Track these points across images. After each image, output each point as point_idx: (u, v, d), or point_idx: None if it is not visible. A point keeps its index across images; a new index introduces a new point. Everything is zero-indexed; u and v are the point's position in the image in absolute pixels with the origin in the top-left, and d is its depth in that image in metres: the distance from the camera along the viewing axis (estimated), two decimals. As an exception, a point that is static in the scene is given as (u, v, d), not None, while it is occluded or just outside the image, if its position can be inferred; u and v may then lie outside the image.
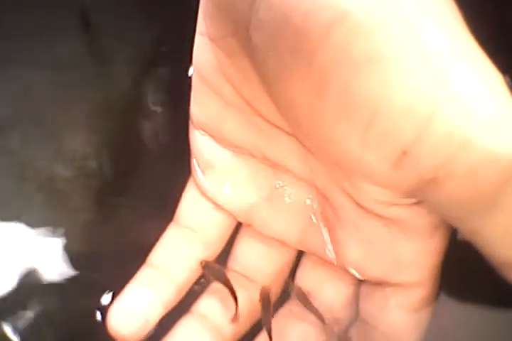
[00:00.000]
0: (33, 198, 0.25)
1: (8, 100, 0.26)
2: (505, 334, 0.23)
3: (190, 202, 0.24)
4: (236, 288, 0.22)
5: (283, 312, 0.23)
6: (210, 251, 0.23)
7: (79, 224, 0.25)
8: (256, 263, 0.23)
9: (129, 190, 0.25)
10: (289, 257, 0.23)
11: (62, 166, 0.25)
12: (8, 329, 0.23)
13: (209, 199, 0.23)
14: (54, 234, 0.24)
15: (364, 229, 0.20)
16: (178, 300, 0.22)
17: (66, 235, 0.24)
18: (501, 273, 0.18)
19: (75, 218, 0.25)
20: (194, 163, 0.23)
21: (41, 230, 0.24)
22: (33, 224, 0.24)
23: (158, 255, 0.23)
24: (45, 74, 0.26)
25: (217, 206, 0.23)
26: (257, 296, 0.22)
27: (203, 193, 0.23)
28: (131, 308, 0.22)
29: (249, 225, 0.23)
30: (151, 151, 0.26)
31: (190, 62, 0.23)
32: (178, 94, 0.25)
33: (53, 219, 0.25)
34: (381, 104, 0.15)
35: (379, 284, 0.21)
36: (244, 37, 0.19)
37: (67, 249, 0.24)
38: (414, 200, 0.18)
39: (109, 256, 0.24)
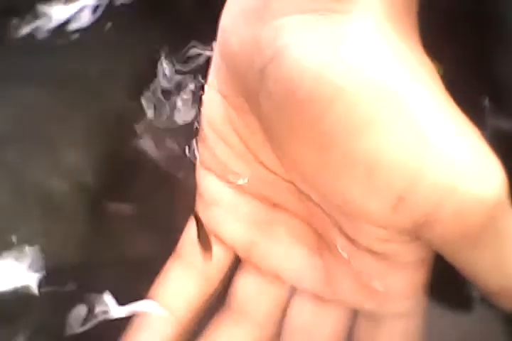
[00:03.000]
0: (29, 211, 0.25)
1: (6, 115, 0.26)
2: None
3: (192, 236, 0.25)
4: (233, 324, 0.24)
5: None
6: (209, 285, 0.24)
7: (75, 236, 0.25)
8: (253, 300, 0.24)
9: (125, 203, 0.26)
10: (285, 293, 0.25)
11: (59, 180, 0.26)
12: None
13: (212, 233, 0.24)
14: (50, 246, 0.25)
15: (357, 264, 0.22)
16: (181, 337, 0.23)
17: (62, 247, 0.25)
18: (490, 301, 0.20)
19: (71, 231, 0.25)
20: (199, 198, 0.25)
21: (38, 242, 0.25)
22: (29, 236, 0.25)
23: (159, 292, 0.24)
24: (43, 90, 0.26)
25: (220, 240, 0.24)
26: (254, 334, 0.24)
27: (206, 228, 0.24)
28: None
29: (247, 260, 0.24)
30: (147, 165, 0.26)
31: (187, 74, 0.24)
32: (174, 109, 0.26)
33: (50, 231, 0.25)
34: (377, 161, 0.18)
35: (371, 316, 0.23)
36: (254, 100, 0.21)
37: (63, 261, 0.25)
38: (408, 237, 0.20)
39: (105, 267, 0.24)
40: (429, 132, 0.18)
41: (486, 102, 0.26)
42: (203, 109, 0.24)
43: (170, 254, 0.25)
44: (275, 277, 0.24)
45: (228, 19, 0.22)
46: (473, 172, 0.18)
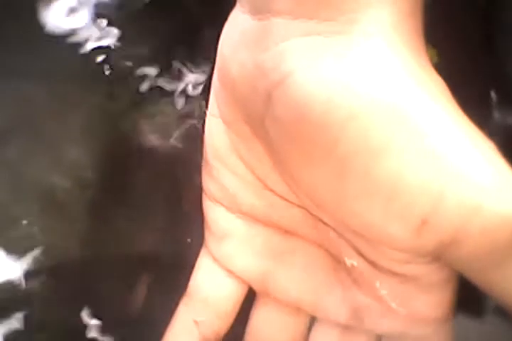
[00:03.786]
0: (30, 208, 0.25)
1: (6, 112, 0.26)
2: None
3: (203, 272, 0.24)
4: None
5: None
6: (223, 323, 0.24)
7: (76, 233, 0.25)
8: (274, 335, 0.24)
9: (126, 200, 0.26)
10: (305, 325, 0.24)
11: (60, 177, 0.26)
12: None
13: (223, 267, 0.24)
14: (51, 242, 0.25)
15: (380, 288, 0.21)
16: None
17: (63, 244, 0.25)
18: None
19: (72, 227, 0.25)
20: (207, 232, 0.24)
21: (39, 239, 0.25)
22: (30, 233, 0.25)
23: (172, 335, 0.23)
24: (44, 86, 0.26)
25: (232, 274, 0.23)
26: None
27: (218, 262, 0.24)
28: None
29: (263, 293, 0.24)
30: (149, 161, 0.26)
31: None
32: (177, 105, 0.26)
33: (50, 228, 0.25)
34: (398, 183, 0.18)
35: (397, 340, 0.22)
36: (259, 126, 0.20)
37: (64, 257, 0.25)
38: (428, 258, 0.20)
39: (105, 266, 0.24)
40: (446, 153, 0.17)
41: (493, 95, 0.25)
42: (205, 139, 0.23)
43: (171, 251, 0.25)
44: (294, 308, 0.23)
45: (227, 45, 0.21)
46: (495, 189, 0.17)
